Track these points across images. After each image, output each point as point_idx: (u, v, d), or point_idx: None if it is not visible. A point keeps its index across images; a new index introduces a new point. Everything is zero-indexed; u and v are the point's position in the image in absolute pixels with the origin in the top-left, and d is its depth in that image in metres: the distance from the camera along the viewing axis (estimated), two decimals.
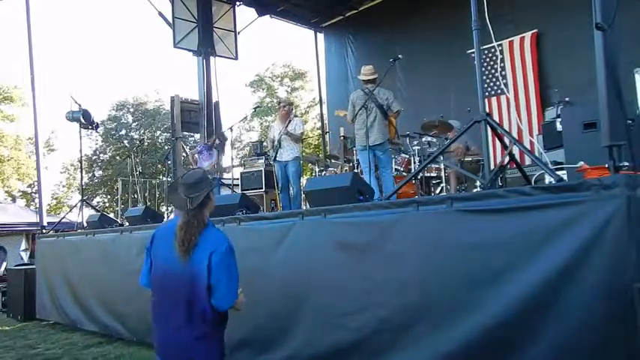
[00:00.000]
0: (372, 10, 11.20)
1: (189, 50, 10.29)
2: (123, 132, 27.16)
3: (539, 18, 8.23)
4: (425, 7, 9.72)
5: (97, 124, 9.38)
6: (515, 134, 8.04)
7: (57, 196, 27.51)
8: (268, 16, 11.39)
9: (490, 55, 8.37)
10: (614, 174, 2.48)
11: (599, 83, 2.56)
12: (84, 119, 8.38)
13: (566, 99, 6.04)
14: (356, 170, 6.73)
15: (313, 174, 9.19)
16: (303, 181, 7.88)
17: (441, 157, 5.95)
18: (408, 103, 8.20)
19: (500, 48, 8.31)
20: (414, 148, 6.63)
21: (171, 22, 10.03)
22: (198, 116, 10.39)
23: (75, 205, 9.20)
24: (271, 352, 3.91)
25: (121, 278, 5.51)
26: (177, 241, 2.43)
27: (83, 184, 10.26)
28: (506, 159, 3.66)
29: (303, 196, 6.27)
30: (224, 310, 2.52)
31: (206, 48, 10.24)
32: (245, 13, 11.52)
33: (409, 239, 3.20)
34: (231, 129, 8.13)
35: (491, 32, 3.85)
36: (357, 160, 6.51)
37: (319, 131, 16.17)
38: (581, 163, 3.12)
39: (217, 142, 8.11)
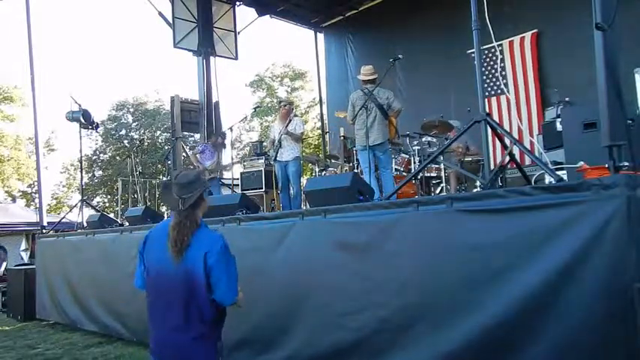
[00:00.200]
0: (372, 10, 11.20)
1: (189, 50, 10.30)
2: (123, 132, 27.17)
3: (539, 18, 8.23)
4: (425, 7, 9.72)
5: (97, 124, 9.38)
6: (515, 134, 8.05)
7: (57, 196, 27.53)
8: (268, 16, 11.40)
9: (490, 55, 8.37)
10: (614, 174, 2.48)
11: (599, 83, 2.56)
12: (84, 119, 8.38)
13: (566, 99, 6.04)
14: (356, 170, 6.74)
15: (313, 174, 9.19)
16: (303, 181, 7.88)
17: (441, 157, 5.95)
18: (408, 103, 8.19)
19: (500, 48, 8.31)
20: (414, 148, 6.63)
21: (171, 22, 10.03)
22: (198, 116, 10.40)
23: (75, 205, 9.20)
24: (271, 352, 3.91)
25: (121, 278, 5.51)
26: (169, 241, 2.43)
27: (83, 184, 10.26)
28: (507, 159, 3.66)
29: (303, 196, 6.27)
30: (227, 305, 2.52)
31: (206, 48, 10.25)
32: (245, 13, 11.54)
33: (409, 239, 3.20)
34: (231, 129, 8.13)
35: (491, 32, 3.85)
36: (357, 160, 6.51)
37: (319, 131, 16.17)
38: (581, 163, 3.12)
39: (219, 140, 8.12)
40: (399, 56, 5.48)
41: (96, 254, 6.21)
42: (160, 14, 10.09)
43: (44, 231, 8.31)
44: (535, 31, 8.26)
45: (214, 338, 2.50)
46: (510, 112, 8.44)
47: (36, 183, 19.36)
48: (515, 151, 5.08)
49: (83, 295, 6.42)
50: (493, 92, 8.54)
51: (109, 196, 26.57)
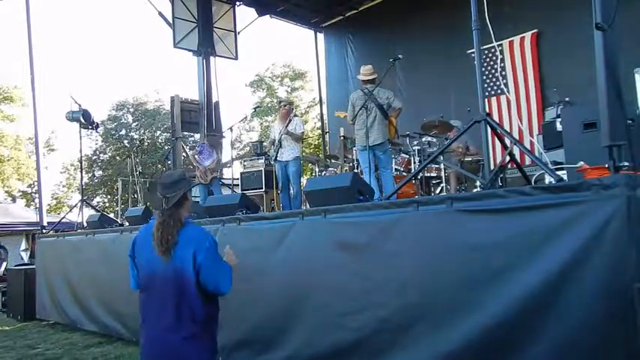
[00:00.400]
0: (372, 10, 11.20)
1: (189, 50, 10.30)
2: (123, 132, 27.17)
3: (539, 18, 8.23)
4: (425, 7, 9.72)
5: (97, 124, 9.39)
6: (515, 134, 8.05)
7: (57, 196, 27.53)
8: (268, 16, 11.40)
9: (490, 55, 8.37)
10: (614, 174, 2.48)
11: (599, 83, 2.56)
12: (84, 119, 8.39)
13: (566, 99, 6.04)
14: (356, 170, 6.74)
15: (313, 174, 9.19)
16: (303, 181, 7.88)
17: (441, 157, 5.95)
18: (408, 103, 8.19)
19: (500, 48, 8.31)
20: (414, 148, 6.64)
21: (171, 22, 10.03)
22: (198, 116, 10.40)
23: (75, 205, 9.20)
24: (271, 352, 3.91)
25: (120, 278, 5.48)
26: (155, 241, 2.44)
27: (83, 184, 10.26)
28: (507, 159, 3.66)
29: (303, 196, 6.27)
30: (225, 294, 2.52)
31: (206, 48, 10.25)
32: (245, 13, 11.54)
33: (409, 239, 3.20)
34: (231, 129, 8.13)
35: (491, 32, 3.85)
36: (357, 159, 6.51)
37: (319, 131, 16.17)
38: (581, 163, 3.12)
39: (216, 139, 8.10)
40: (399, 56, 5.48)
41: (96, 254, 6.22)
42: (160, 14, 10.10)
43: (44, 231, 8.31)
44: (535, 31, 8.26)
45: (207, 338, 2.50)
46: (510, 112, 8.44)
47: (36, 183, 19.36)
48: (516, 151, 5.08)
49: (83, 295, 6.43)
50: (493, 92, 8.55)
51: (109, 196, 26.58)
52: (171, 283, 2.42)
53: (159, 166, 23.90)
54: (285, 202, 6.98)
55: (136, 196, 13.42)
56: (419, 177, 6.33)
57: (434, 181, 6.81)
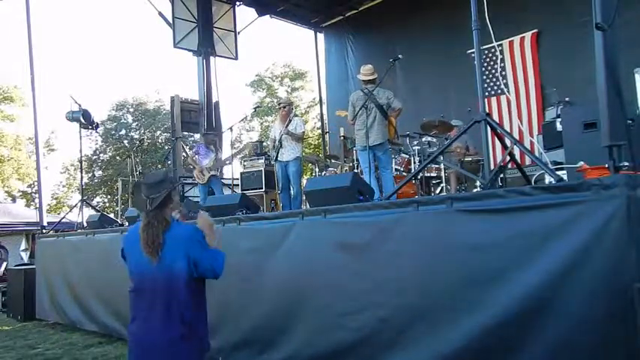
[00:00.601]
0: (372, 10, 11.20)
1: (189, 50, 10.31)
2: (123, 132, 27.16)
3: (539, 18, 8.23)
4: (425, 7, 9.72)
5: (97, 124, 9.39)
6: (515, 134, 8.05)
7: (57, 196, 27.53)
8: (268, 16, 11.40)
9: (490, 55, 8.37)
10: (614, 174, 2.48)
11: (599, 83, 2.55)
12: (84, 119, 8.39)
13: (566, 99, 6.04)
14: (356, 170, 6.74)
15: (313, 174, 9.19)
16: (304, 181, 7.88)
17: (441, 157, 5.95)
18: (408, 103, 8.19)
19: (500, 48, 8.31)
20: (414, 148, 6.63)
21: (171, 22, 10.04)
22: (198, 116, 10.41)
23: (75, 205, 9.20)
24: (271, 352, 3.91)
25: (120, 278, 5.47)
26: (142, 243, 2.45)
27: (83, 184, 10.26)
28: (507, 159, 3.66)
29: (303, 196, 6.27)
30: (219, 275, 2.55)
31: (206, 48, 10.26)
32: (245, 13, 11.56)
33: (409, 239, 3.20)
34: (231, 129, 8.13)
35: (491, 32, 3.85)
36: (357, 159, 6.51)
37: (319, 131, 16.18)
38: (581, 163, 3.12)
39: (211, 138, 8.06)
40: (399, 56, 5.48)
41: (96, 254, 6.22)
42: (160, 14, 10.10)
43: (44, 231, 8.31)
44: (535, 31, 8.26)
45: (196, 338, 2.50)
46: (510, 112, 8.44)
47: (36, 183, 19.35)
48: (516, 151, 5.08)
49: (83, 295, 6.42)
50: (493, 92, 8.55)
51: (109, 196, 26.57)
52: (161, 283, 2.43)
53: (159, 166, 23.89)
54: (285, 202, 6.98)
55: None
56: (419, 177, 6.33)
57: (434, 181, 6.81)
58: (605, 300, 2.36)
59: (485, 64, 8.49)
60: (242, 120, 20.59)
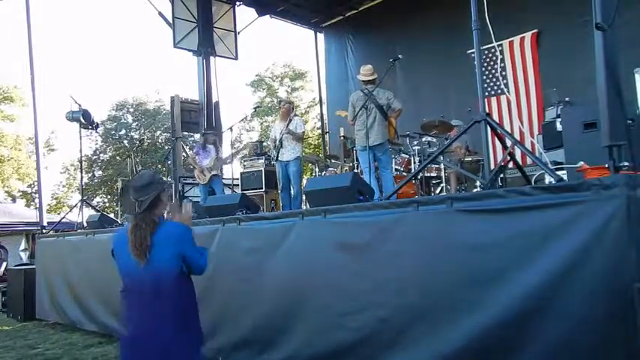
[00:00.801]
0: (372, 10, 11.20)
1: (189, 50, 10.30)
2: (123, 132, 27.18)
3: (539, 18, 8.23)
4: (425, 7, 9.72)
5: (97, 124, 9.39)
6: (515, 134, 8.05)
7: (57, 196, 27.53)
8: (268, 16, 11.41)
9: (490, 55, 8.37)
10: (614, 174, 2.48)
11: (599, 83, 2.55)
12: (84, 119, 8.39)
13: (566, 99, 6.04)
14: (356, 170, 6.74)
15: (313, 174, 9.19)
16: (304, 181, 7.88)
17: (441, 157, 5.95)
18: (408, 103, 8.20)
19: (500, 48, 8.31)
20: (414, 148, 6.64)
21: (171, 22, 10.04)
22: (198, 116, 10.41)
23: (75, 205, 9.20)
24: (271, 352, 3.91)
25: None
26: (130, 245, 2.47)
27: (83, 184, 10.26)
28: (507, 159, 3.66)
29: (303, 196, 6.28)
30: (205, 269, 2.62)
31: (206, 48, 10.25)
32: (245, 13, 11.55)
33: (409, 239, 3.20)
34: (231, 129, 8.13)
35: (491, 32, 3.85)
36: (357, 159, 6.52)
37: (319, 131, 16.17)
38: (581, 163, 3.11)
39: (210, 139, 8.04)
40: (399, 56, 5.48)
41: (96, 254, 6.21)
42: (160, 14, 10.10)
43: (44, 231, 8.31)
44: (535, 31, 8.26)
45: (189, 335, 2.51)
46: (511, 112, 8.44)
47: (36, 183, 19.35)
48: (516, 151, 5.08)
49: (83, 295, 6.42)
50: (493, 92, 8.55)
51: (109, 196, 26.57)
52: (149, 284, 2.45)
53: (159, 166, 23.91)
54: (285, 202, 6.98)
55: None
56: (419, 177, 6.33)
57: (434, 181, 6.81)
58: (605, 300, 2.36)
59: (485, 64, 8.49)
60: (242, 120, 20.61)
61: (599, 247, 2.40)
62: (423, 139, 6.73)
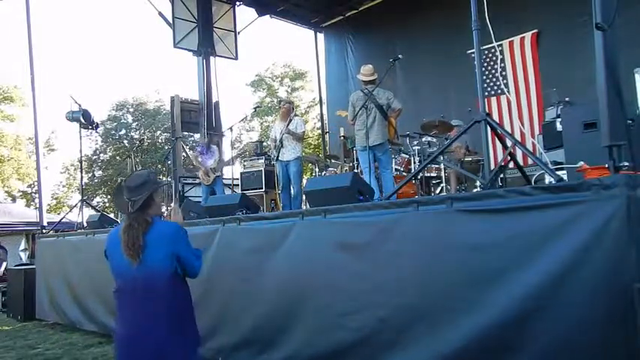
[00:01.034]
0: (372, 10, 11.21)
1: (189, 50, 10.30)
2: (123, 132, 27.17)
3: (539, 18, 8.24)
4: (425, 7, 9.72)
5: (97, 124, 9.39)
6: (515, 134, 8.05)
7: (57, 196, 27.53)
8: (268, 16, 11.41)
9: (490, 55, 8.37)
10: (614, 174, 2.48)
11: (599, 83, 2.55)
12: (84, 119, 8.39)
13: (566, 99, 6.04)
14: (356, 170, 6.74)
15: (313, 174, 9.19)
16: (304, 181, 7.88)
17: (441, 157, 5.95)
18: (408, 103, 8.20)
19: (500, 48, 8.31)
20: (414, 148, 6.64)
21: (171, 22, 10.03)
22: (198, 116, 10.40)
23: (75, 205, 9.20)
24: (271, 352, 3.91)
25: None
26: (122, 245, 2.46)
27: (83, 184, 10.26)
28: (507, 159, 3.65)
29: (303, 196, 6.27)
30: (199, 272, 2.62)
31: (206, 48, 10.25)
32: (245, 13, 11.55)
33: (409, 239, 3.20)
34: (231, 129, 8.13)
35: (491, 32, 3.85)
36: (357, 159, 6.52)
37: (319, 131, 16.17)
38: (581, 163, 3.11)
39: (213, 140, 8.07)
40: (399, 56, 5.48)
41: (96, 254, 6.18)
42: (160, 14, 10.10)
43: (44, 231, 8.31)
44: (535, 31, 8.26)
45: (183, 334, 2.50)
46: (511, 112, 8.44)
47: (36, 183, 19.35)
48: (516, 151, 5.07)
49: (83, 295, 6.42)
50: (493, 92, 8.55)
51: (109, 196, 26.55)
52: (142, 284, 2.45)
53: (159, 166, 23.91)
54: (285, 202, 6.98)
55: None
56: (419, 177, 6.33)
57: (434, 181, 6.81)
58: (605, 300, 2.36)
59: (486, 64, 8.49)
60: (242, 120, 20.59)
61: (599, 247, 2.40)
62: (423, 139, 6.73)
